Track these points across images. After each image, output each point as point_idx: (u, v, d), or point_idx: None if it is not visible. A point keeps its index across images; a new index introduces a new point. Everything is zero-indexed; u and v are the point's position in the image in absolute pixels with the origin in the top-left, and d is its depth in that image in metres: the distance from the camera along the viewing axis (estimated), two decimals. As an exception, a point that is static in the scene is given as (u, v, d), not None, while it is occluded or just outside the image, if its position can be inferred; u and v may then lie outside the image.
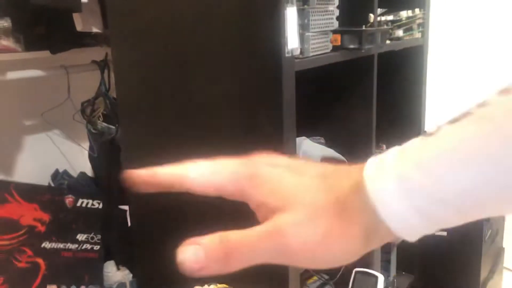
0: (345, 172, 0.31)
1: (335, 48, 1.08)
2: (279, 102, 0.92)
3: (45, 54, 1.63)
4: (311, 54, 0.98)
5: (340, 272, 1.23)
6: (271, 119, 0.94)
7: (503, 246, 2.07)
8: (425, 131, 0.30)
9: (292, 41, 0.89)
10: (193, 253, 0.30)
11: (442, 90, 2.39)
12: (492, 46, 2.40)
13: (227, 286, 0.82)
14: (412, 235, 0.29)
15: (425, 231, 0.28)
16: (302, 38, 0.95)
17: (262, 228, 0.30)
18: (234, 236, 0.30)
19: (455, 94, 2.47)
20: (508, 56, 2.37)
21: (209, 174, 0.35)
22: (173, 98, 1.12)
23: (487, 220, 1.68)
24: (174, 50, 1.08)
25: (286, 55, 0.89)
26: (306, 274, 1.33)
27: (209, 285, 0.82)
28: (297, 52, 0.92)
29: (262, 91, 0.94)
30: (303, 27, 0.95)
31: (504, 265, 2.13)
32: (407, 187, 0.27)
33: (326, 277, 1.26)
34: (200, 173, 0.35)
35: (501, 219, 2.00)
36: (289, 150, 0.96)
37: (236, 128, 1.01)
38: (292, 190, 0.31)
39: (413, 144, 0.30)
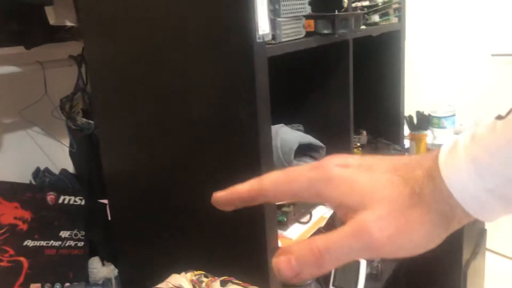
0: (416, 163, 0.32)
1: (309, 34, 1.07)
2: (253, 88, 0.91)
3: (19, 50, 1.61)
4: (284, 39, 0.98)
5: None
6: (246, 106, 0.94)
7: (485, 228, 2.09)
8: (498, 115, 0.31)
9: (263, 27, 0.88)
10: (286, 261, 0.31)
11: (420, 75, 2.41)
12: (467, 30, 2.41)
13: (203, 272, 0.82)
14: (489, 217, 0.30)
15: (503, 212, 0.30)
16: (274, 24, 0.95)
17: (346, 228, 0.31)
18: (321, 240, 0.31)
19: (433, 79, 2.49)
20: (483, 40, 2.39)
21: (285, 183, 0.36)
22: (147, 90, 1.11)
23: (468, 202, 1.69)
24: (146, 41, 1.07)
25: (258, 40, 0.88)
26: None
27: (186, 273, 0.82)
28: (269, 37, 0.91)
29: (235, 78, 0.94)
30: (274, 12, 0.95)
31: (487, 246, 2.16)
32: (481, 170, 0.29)
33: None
34: (276, 184, 0.36)
35: (483, 201, 2.02)
36: (264, 137, 0.95)
37: (212, 117, 1.01)
38: (367, 188, 0.32)
39: (484, 129, 0.31)
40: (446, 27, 2.45)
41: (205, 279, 0.82)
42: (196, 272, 0.82)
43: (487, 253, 2.17)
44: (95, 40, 1.19)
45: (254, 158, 0.96)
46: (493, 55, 2.36)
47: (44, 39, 1.60)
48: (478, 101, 2.39)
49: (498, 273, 2.48)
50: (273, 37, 0.95)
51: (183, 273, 0.81)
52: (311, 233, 1.11)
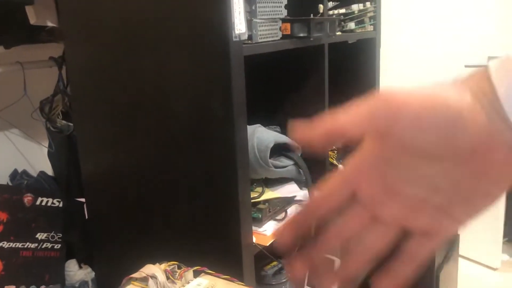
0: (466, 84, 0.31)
1: (285, 36, 1.11)
2: (229, 86, 0.94)
3: (-1, 49, 1.61)
4: (260, 40, 1.01)
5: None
6: (222, 104, 0.96)
7: (458, 233, 2.14)
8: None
9: (239, 26, 0.91)
10: None
11: (394, 82, 2.47)
12: (441, 41, 2.49)
13: (177, 263, 0.84)
14: None
15: None
16: (250, 24, 0.98)
17: None
18: None
19: (408, 85, 2.55)
20: (457, 51, 2.47)
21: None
22: (125, 91, 1.13)
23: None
24: (124, 42, 1.09)
25: (234, 39, 0.91)
26: (265, 261, 1.35)
27: (160, 263, 0.83)
28: (245, 37, 0.94)
29: (212, 77, 0.97)
30: (251, 13, 0.98)
31: (460, 253, 2.21)
32: None
33: (284, 261, 1.29)
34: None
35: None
36: (240, 135, 0.98)
37: (188, 116, 1.03)
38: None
39: None
40: (421, 37, 2.52)
41: (178, 270, 0.84)
42: (170, 263, 0.84)
43: (460, 260, 2.22)
44: (75, 41, 1.21)
45: (230, 157, 0.99)
46: (466, 66, 2.44)
47: (24, 40, 1.61)
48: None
49: (470, 279, 2.54)
50: (250, 37, 0.99)
51: (157, 264, 0.83)
52: (285, 230, 1.13)
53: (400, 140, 0.31)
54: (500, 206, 2.55)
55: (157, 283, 0.77)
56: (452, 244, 2.06)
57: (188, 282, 0.82)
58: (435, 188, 0.31)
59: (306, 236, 0.35)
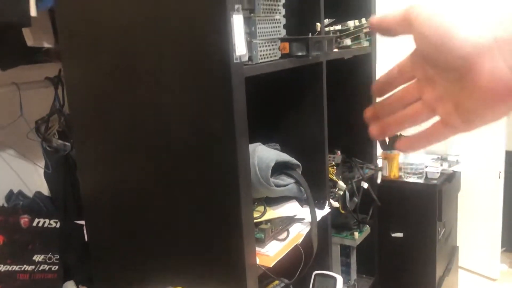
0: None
1: (284, 56, 1.11)
2: (230, 107, 0.94)
3: (-6, 71, 1.60)
4: (260, 60, 1.01)
5: (299, 277, 1.25)
6: (223, 125, 0.96)
7: (457, 245, 2.15)
8: None
9: (240, 48, 0.91)
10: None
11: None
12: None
13: (183, 289, 0.83)
14: None
15: None
16: (250, 46, 0.98)
17: None
18: None
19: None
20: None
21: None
22: (125, 110, 1.12)
23: (440, 219, 1.74)
24: (124, 63, 1.09)
25: (235, 61, 0.91)
26: (267, 280, 1.34)
27: (165, 290, 0.82)
28: (246, 58, 0.94)
29: (213, 98, 0.96)
30: (251, 35, 0.99)
31: (460, 264, 2.22)
32: None
33: (286, 281, 1.28)
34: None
35: (454, 219, 2.08)
36: (242, 154, 0.98)
37: (190, 136, 1.03)
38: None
39: None
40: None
41: (184, 296, 0.83)
42: (175, 288, 0.83)
43: (460, 271, 2.22)
44: (73, 61, 1.20)
45: (232, 178, 0.98)
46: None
47: (21, 61, 1.60)
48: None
49: (471, 290, 2.54)
50: (250, 58, 0.99)
51: (162, 290, 0.82)
52: (288, 250, 1.13)
53: (417, 47, 0.38)
54: (497, 216, 2.56)
55: (163, 311, 0.76)
56: (451, 255, 2.06)
57: (194, 308, 0.81)
58: (446, 92, 0.38)
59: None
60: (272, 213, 1.20)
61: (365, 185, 1.58)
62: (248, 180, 1.00)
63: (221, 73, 0.93)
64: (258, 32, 1.00)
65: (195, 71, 0.97)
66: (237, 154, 0.96)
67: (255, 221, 1.08)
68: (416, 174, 1.73)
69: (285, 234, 1.17)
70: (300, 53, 1.13)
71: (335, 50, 1.41)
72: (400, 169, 1.79)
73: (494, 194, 2.52)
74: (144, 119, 1.09)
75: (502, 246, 2.68)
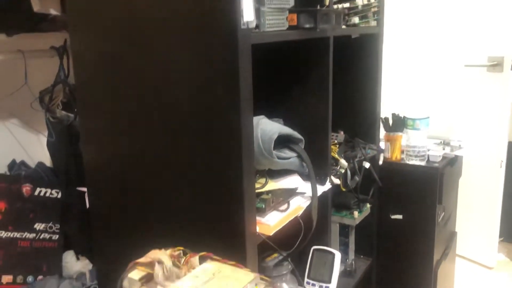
0: None
1: (292, 27, 1.11)
2: (236, 74, 0.94)
3: (1, 37, 1.60)
4: (268, 29, 1.01)
5: (298, 249, 1.26)
6: (229, 92, 0.96)
7: (455, 231, 2.16)
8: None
9: (247, 14, 0.91)
10: None
11: (396, 78, 2.48)
12: (443, 40, 2.50)
13: (182, 249, 0.83)
14: None
15: None
16: (258, 13, 0.98)
17: None
18: None
19: (409, 84, 2.57)
20: (460, 44, 2.48)
21: None
22: (130, 79, 1.12)
23: (440, 202, 1.75)
24: (130, 32, 1.08)
25: (242, 27, 0.91)
26: (266, 253, 1.35)
27: (166, 249, 0.83)
28: (253, 25, 0.94)
29: (219, 65, 0.96)
30: (259, 1, 0.98)
31: (457, 252, 2.22)
32: None
33: (285, 254, 1.29)
34: None
35: (454, 204, 2.09)
36: (247, 123, 0.98)
37: (194, 104, 1.03)
38: None
39: None
40: (423, 35, 2.53)
41: (184, 256, 0.83)
42: (175, 249, 0.83)
43: (457, 259, 2.23)
44: (79, 30, 1.20)
45: (235, 145, 0.98)
46: (466, 65, 2.45)
47: (27, 28, 1.60)
48: (451, 108, 2.47)
49: (467, 277, 2.55)
50: (257, 26, 0.98)
51: (163, 249, 0.82)
52: (288, 221, 1.13)
53: None
54: (496, 206, 2.56)
55: (163, 268, 0.77)
56: (450, 241, 2.07)
57: (194, 268, 0.81)
58: None
59: None
60: (274, 184, 1.21)
61: (366, 164, 1.59)
62: (251, 148, 1.00)
63: (227, 39, 0.93)
64: (266, 1, 1.00)
65: (202, 36, 0.97)
66: (241, 121, 0.96)
67: (256, 191, 1.09)
68: (418, 156, 1.73)
69: (285, 205, 1.18)
70: (307, 25, 1.12)
71: (343, 27, 1.40)
72: (402, 151, 1.79)
73: (494, 183, 2.52)
74: (149, 87, 1.09)
75: (500, 236, 2.69)
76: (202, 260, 0.84)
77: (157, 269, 0.77)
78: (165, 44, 1.03)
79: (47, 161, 1.98)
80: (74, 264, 1.83)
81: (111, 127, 1.22)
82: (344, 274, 1.67)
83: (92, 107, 1.25)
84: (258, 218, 1.08)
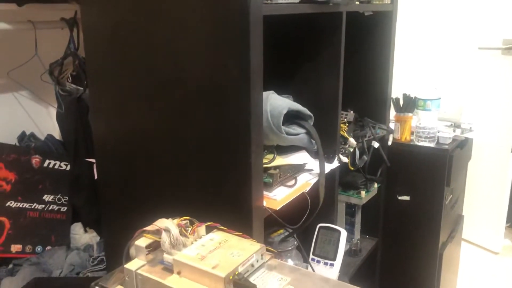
0: None
1: (304, 1, 1.09)
2: (247, 45, 0.92)
3: (11, 6, 1.60)
4: (280, 1, 0.99)
5: (304, 225, 1.26)
6: (239, 64, 0.95)
7: (463, 214, 2.15)
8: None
9: (260, -16, 0.90)
10: None
11: (408, 58, 2.45)
12: (457, 23, 2.46)
13: (189, 218, 0.84)
14: None
15: None
16: (271, -16, 0.96)
17: None
18: None
19: (421, 64, 2.53)
20: (471, 33, 2.44)
21: None
22: (140, 52, 1.11)
23: (448, 185, 1.74)
24: (141, 4, 1.07)
25: (254, -3, 0.90)
26: (272, 229, 1.36)
27: (173, 219, 0.83)
28: (265, -4, 0.93)
29: (230, 35, 0.95)
30: (272, -28, 0.97)
31: (463, 236, 2.22)
32: None
33: (291, 230, 1.29)
34: None
35: (462, 187, 2.08)
36: (256, 96, 0.97)
37: (204, 77, 1.02)
38: None
39: None
40: (437, 16, 2.49)
41: (191, 226, 0.84)
42: (182, 218, 0.84)
43: (462, 243, 2.23)
44: (91, 2, 1.19)
45: (244, 118, 0.98)
46: (480, 48, 2.41)
47: (38, -2, 1.59)
48: (462, 90, 2.44)
49: (472, 262, 2.55)
50: (269, -3, 0.97)
51: (170, 218, 0.83)
52: (295, 196, 1.13)
53: None
54: (505, 191, 2.55)
55: (170, 236, 0.77)
56: (456, 224, 2.06)
57: (201, 237, 0.82)
58: None
59: None
60: (282, 160, 1.21)
61: (376, 144, 1.58)
62: (260, 121, 1.00)
63: (239, 9, 0.91)
64: (279, -29, 0.98)
65: (213, 6, 0.95)
66: (251, 93, 0.95)
67: (264, 166, 1.08)
68: (428, 138, 1.71)
69: (293, 181, 1.17)
70: (320, -1, 1.11)
71: (357, 2, 1.38)
72: (412, 132, 1.77)
73: (503, 168, 2.50)
74: (160, 61, 1.08)
75: (507, 222, 2.68)
76: (208, 230, 0.84)
77: (164, 237, 0.77)
78: (177, 16, 1.02)
79: (56, 133, 1.99)
80: (82, 236, 1.86)
81: (121, 100, 1.21)
82: (349, 253, 1.68)
83: (102, 80, 1.24)
84: (265, 192, 1.08)
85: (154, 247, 0.81)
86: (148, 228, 0.81)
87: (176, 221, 0.83)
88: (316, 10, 1.13)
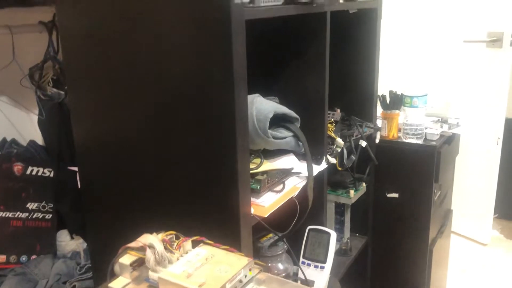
0: None
1: (287, 2, 1.07)
2: (230, 51, 0.90)
3: (-14, 12, 1.55)
4: (262, 4, 0.97)
5: (293, 230, 1.25)
6: (222, 69, 0.93)
7: (451, 208, 2.15)
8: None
9: (241, -12, 0.87)
10: None
11: (394, 54, 2.44)
12: (441, 16, 2.45)
13: (175, 233, 0.81)
14: None
15: None
16: (252, -13, 0.94)
17: None
18: None
19: (407, 60, 2.53)
20: (456, 27, 2.43)
21: None
22: (120, 56, 1.08)
23: (437, 181, 1.74)
24: (120, 6, 1.04)
25: (235, 1, 0.87)
26: (260, 233, 1.34)
27: (158, 233, 0.81)
28: (247, 0, 0.90)
29: (212, 41, 0.93)
30: (253, -25, 0.94)
31: (452, 229, 2.23)
32: None
33: (279, 234, 1.27)
34: None
35: (450, 182, 2.08)
36: (240, 101, 0.95)
37: (186, 83, 1.00)
38: None
39: None
40: (422, 10, 2.48)
41: (176, 241, 0.82)
42: (167, 233, 0.81)
43: (452, 235, 2.24)
44: (68, 3, 1.15)
45: (228, 124, 0.95)
46: (465, 41, 2.41)
47: (14, 1, 1.54)
48: (449, 85, 2.44)
49: (461, 254, 2.57)
50: (251, 1, 0.94)
51: (154, 233, 0.80)
52: (283, 201, 1.11)
53: None
54: (492, 183, 2.56)
55: (154, 253, 0.75)
56: (445, 219, 2.07)
57: (187, 252, 0.80)
58: None
59: None
60: (269, 165, 1.19)
61: (363, 143, 1.56)
62: (245, 127, 0.98)
63: (220, 14, 0.89)
64: (261, -26, 0.95)
65: (194, 12, 0.93)
66: (235, 99, 0.93)
67: (251, 171, 1.06)
68: (415, 135, 1.71)
69: (281, 186, 1.16)
70: (303, 0, 1.08)
71: (341, 1, 1.35)
72: (399, 129, 1.76)
73: (491, 160, 2.51)
74: (141, 65, 1.05)
75: (495, 213, 2.70)
76: (194, 244, 0.82)
77: (149, 254, 0.75)
78: (156, 20, 0.99)
79: (39, 139, 1.94)
80: (68, 242, 1.82)
81: (101, 104, 1.18)
82: (339, 252, 1.67)
83: (81, 83, 1.21)
84: (252, 199, 1.06)
85: (139, 263, 0.78)
86: (132, 244, 0.79)
87: (161, 236, 0.80)
88: (300, 11, 1.11)
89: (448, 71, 2.47)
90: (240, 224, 0.99)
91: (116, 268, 0.79)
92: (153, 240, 0.77)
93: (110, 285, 0.76)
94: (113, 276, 0.79)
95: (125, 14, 1.04)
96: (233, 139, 0.96)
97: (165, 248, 0.77)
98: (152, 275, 0.74)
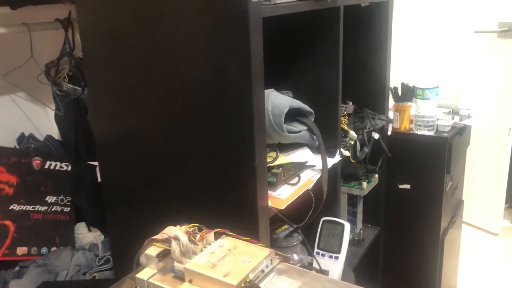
0: None
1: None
2: (247, 48, 0.92)
3: (5, 10, 1.58)
4: (279, 1, 0.99)
5: (308, 222, 1.27)
6: (240, 66, 0.95)
7: (463, 199, 2.17)
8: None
9: (258, -14, 0.89)
10: None
11: (406, 46, 2.45)
12: (452, 7, 2.45)
13: (197, 225, 0.84)
14: None
15: None
16: (269, -15, 0.96)
17: None
18: None
19: (418, 52, 2.53)
20: (467, 17, 2.43)
21: None
22: (139, 53, 1.10)
23: (448, 172, 1.75)
24: (139, 3, 1.06)
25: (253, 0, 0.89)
26: (276, 224, 1.37)
27: (181, 226, 0.84)
28: (264, -2, 0.92)
29: (230, 39, 0.95)
30: (270, -27, 0.96)
31: (463, 219, 2.25)
32: None
33: (295, 226, 1.30)
34: None
35: (461, 173, 2.09)
36: (258, 98, 0.97)
37: (204, 79, 1.02)
38: None
39: None
40: (432, 1, 2.48)
41: (199, 233, 0.84)
42: (190, 225, 0.84)
43: (463, 226, 2.25)
44: (87, 2, 1.18)
45: (246, 120, 0.98)
46: (475, 32, 2.41)
47: (30, 0, 1.57)
48: (460, 76, 2.44)
49: (472, 244, 2.58)
50: (268, -1, 0.96)
51: (178, 226, 0.83)
52: (299, 194, 1.14)
53: None
54: (503, 172, 2.57)
55: (180, 245, 0.78)
56: (457, 209, 2.08)
57: (210, 244, 0.83)
58: None
59: None
60: (284, 158, 1.21)
61: (376, 135, 1.58)
62: (262, 122, 1.00)
63: (238, 12, 0.91)
64: (277, -29, 0.97)
65: (212, 10, 0.95)
66: (253, 96, 0.95)
67: (267, 165, 1.09)
68: (427, 126, 1.72)
69: (296, 179, 1.18)
70: (318, -4, 1.10)
71: (353, -5, 1.37)
72: (411, 121, 1.78)
73: (502, 151, 2.52)
74: (159, 61, 1.08)
75: (506, 203, 2.71)
76: (217, 236, 0.85)
77: (174, 245, 0.78)
78: (174, 18, 1.02)
79: (55, 134, 1.98)
80: (86, 235, 1.87)
81: (121, 101, 1.21)
82: (352, 243, 1.69)
83: (101, 80, 1.24)
84: (269, 192, 1.09)
85: (164, 254, 0.82)
86: (157, 236, 0.82)
87: (185, 228, 0.83)
88: (314, 7, 1.12)
89: (459, 62, 2.47)
90: (258, 216, 1.02)
91: (142, 259, 0.82)
92: (178, 232, 0.80)
93: (137, 275, 0.79)
94: (139, 267, 0.82)
95: (143, 13, 1.06)
96: (251, 136, 0.98)
97: (189, 239, 0.80)
98: (178, 266, 0.77)
